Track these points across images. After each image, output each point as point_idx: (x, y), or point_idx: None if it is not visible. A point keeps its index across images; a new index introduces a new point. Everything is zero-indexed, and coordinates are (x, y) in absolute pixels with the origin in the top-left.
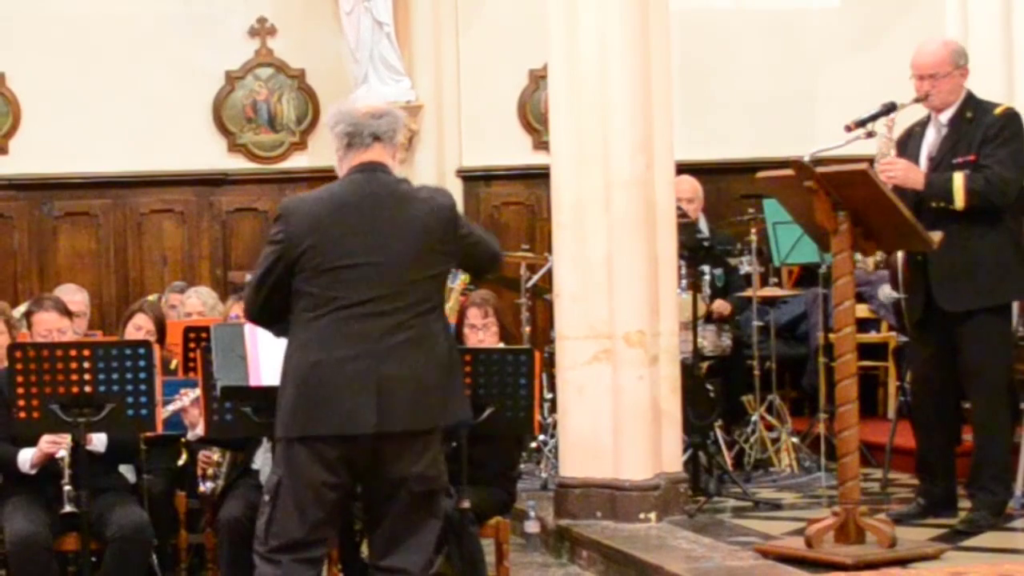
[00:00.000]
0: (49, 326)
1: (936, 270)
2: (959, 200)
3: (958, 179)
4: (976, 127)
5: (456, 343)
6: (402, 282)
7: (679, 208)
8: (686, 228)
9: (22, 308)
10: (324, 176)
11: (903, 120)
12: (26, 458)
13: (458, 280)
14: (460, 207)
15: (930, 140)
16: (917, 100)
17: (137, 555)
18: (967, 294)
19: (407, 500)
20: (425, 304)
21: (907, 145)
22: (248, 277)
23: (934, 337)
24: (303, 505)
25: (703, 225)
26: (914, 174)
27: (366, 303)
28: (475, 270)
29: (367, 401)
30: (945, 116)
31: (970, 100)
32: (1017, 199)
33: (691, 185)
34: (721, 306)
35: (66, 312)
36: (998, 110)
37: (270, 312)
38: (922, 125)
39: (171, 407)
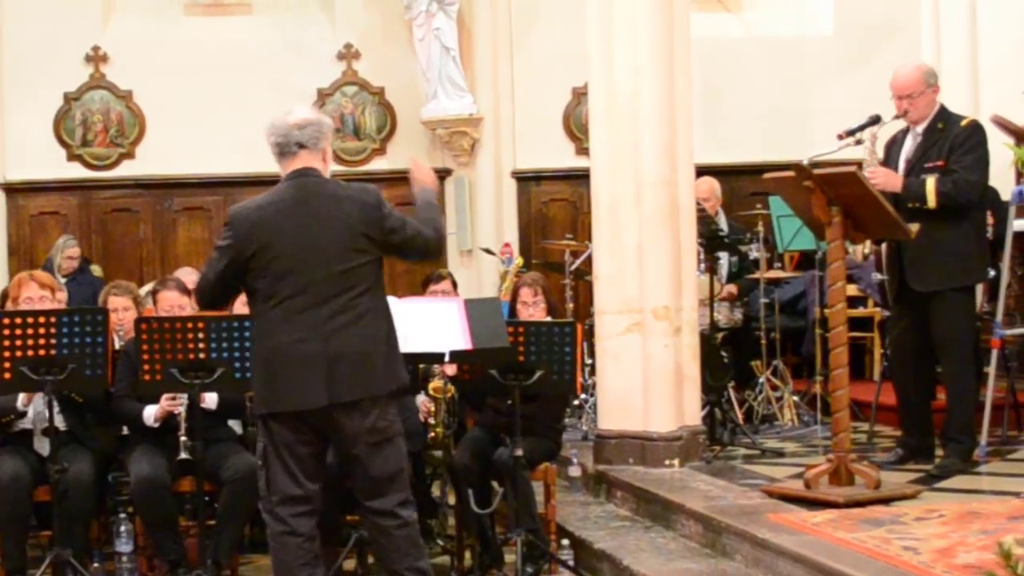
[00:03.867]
0: (170, 303)
1: (909, 256)
2: (931, 201)
3: (930, 183)
4: (946, 136)
5: (392, 318)
6: (335, 271)
7: (699, 205)
8: (703, 221)
9: (148, 288)
10: (400, 177)
11: (888, 129)
12: (150, 413)
13: (512, 264)
14: (513, 203)
15: (908, 147)
16: (897, 117)
17: (250, 494)
18: (935, 277)
19: (367, 450)
20: (360, 287)
21: (891, 150)
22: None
23: (909, 312)
24: (287, 465)
25: (722, 220)
26: (893, 180)
27: (306, 293)
28: (415, 259)
29: (317, 379)
30: (920, 127)
31: (942, 113)
32: (980, 198)
33: (710, 186)
34: (729, 289)
35: (185, 291)
36: (964, 122)
37: (220, 303)
38: (903, 133)
39: None
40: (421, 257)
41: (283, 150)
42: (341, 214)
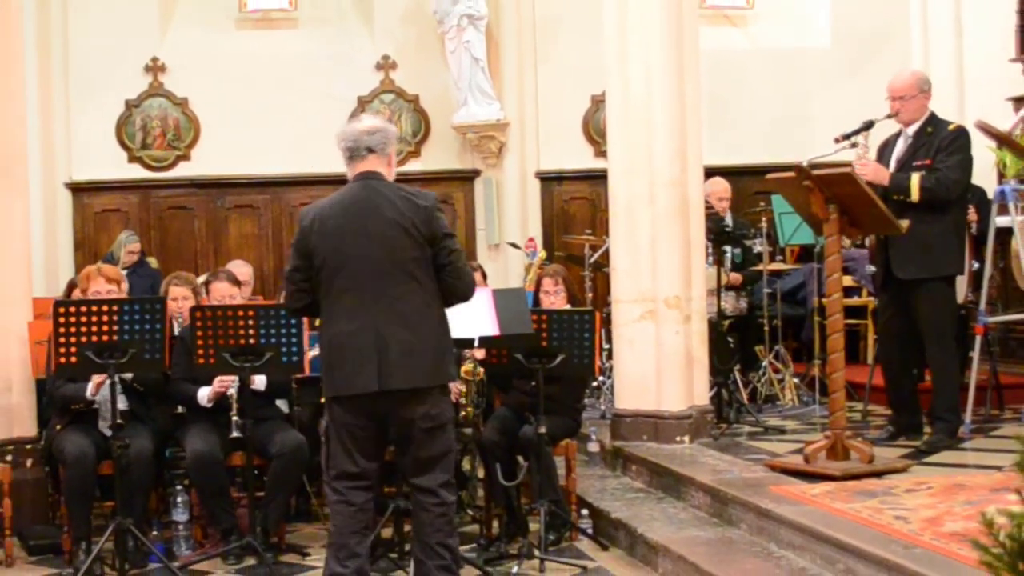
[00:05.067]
0: (223, 293)
1: (893, 248)
2: (914, 194)
3: (915, 178)
4: (933, 138)
5: (447, 318)
6: (391, 268)
7: (708, 204)
8: (711, 217)
9: (201, 279)
10: (434, 177)
11: (882, 133)
12: (203, 394)
13: (536, 257)
14: (537, 202)
15: (899, 148)
16: (889, 116)
17: (295, 468)
18: (917, 267)
19: (419, 435)
20: (414, 284)
21: (883, 151)
22: None
23: (896, 300)
24: (344, 444)
25: (729, 219)
26: (881, 173)
27: (364, 287)
28: (449, 280)
29: (371, 367)
30: (911, 129)
31: (932, 118)
32: (960, 196)
33: (725, 186)
34: (733, 277)
35: (236, 282)
36: (951, 126)
37: (300, 304)
38: (896, 136)
39: (314, 353)
40: (455, 275)
41: (352, 154)
42: (399, 215)
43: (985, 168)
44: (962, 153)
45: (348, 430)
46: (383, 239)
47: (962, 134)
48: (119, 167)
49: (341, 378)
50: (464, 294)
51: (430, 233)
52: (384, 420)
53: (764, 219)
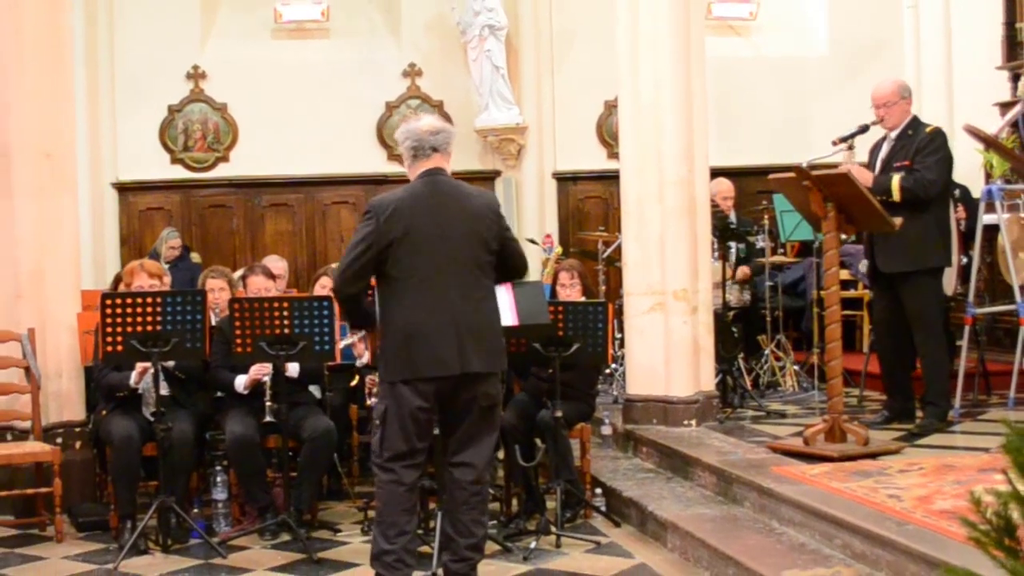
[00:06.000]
0: (259, 286)
1: (878, 245)
2: (895, 194)
3: (895, 179)
4: (913, 140)
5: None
6: (464, 258)
7: (713, 202)
8: (717, 215)
9: (239, 273)
10: (457, 178)
11: (873, 137)
12: (241, 381)
13: (553, 252)
14: (554, 200)
15: (884, 150)
16: (874, 123)
17: (326, 451)
18: (900, 261)
19: (477, 413)
20: (481, 274)
21: (872, 154)
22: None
23: (886, 292)
24: (405, 426)
25: (733, 216)
26: (864, 175)
27: (438, 276)
28: (510, 266)
29: (451, 350)
30: (895, 133)
31: (913, 121)
32: (940, 193)
33: (730, 185)
34: (743, 272)
35: (271, 276)
36: (929, 129)
37: (355, 289)
38: (882, 140)
39: (344, 343)
40: (518, 267)
41: (417, 153)
42: (470, 209)
43: (973, 169)
44: (939, 153)
45: (411, 412)
46: (461, 234)
47: (938, 135)
48: (162, 168)
49: (422, 361)
50: (523, 274)
51: (499, 231)
52: (447, 401)
53: (766, 216)
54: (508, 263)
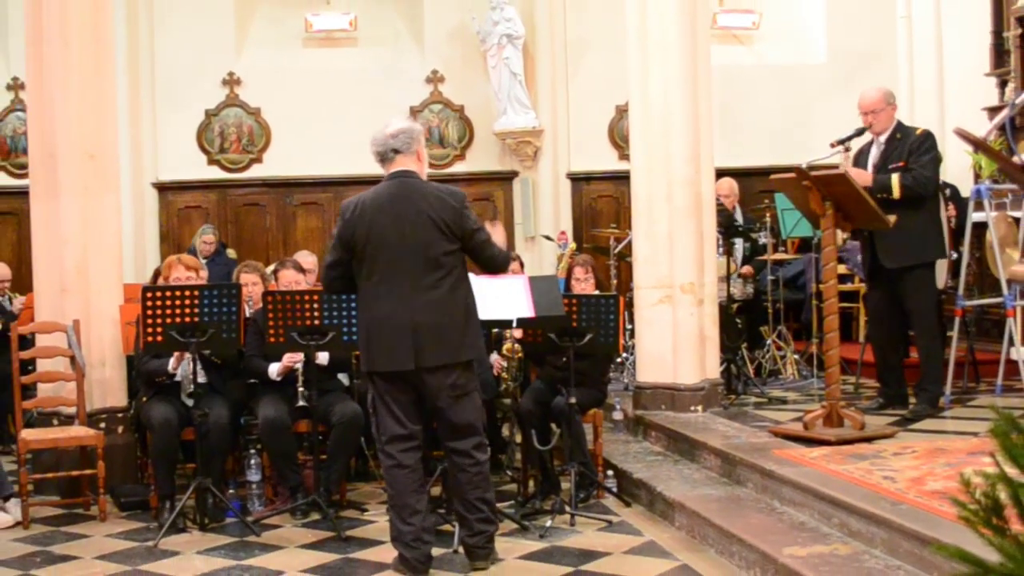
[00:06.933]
0: (289, 279)
1: (880, 242)
2: (896, 192)
3: (895, 178)
4: (903, 143)
5: (474, 299)
6: (422, 256)
7: (719, 201)
8: (722, 213)
9: (271, 268)
10: (477, 178)
11: (856, 142)
12: (273, 369)
13: (567, 248)
14: (568, 199)
15: (873, 154)
16: (864, 129)
17: (354, 434)
18: (903, 256)
19: (449, 402)
20: (443, 271)
21: (859, 158)
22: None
23: (882, 285)
24: (391, 410)
25: (738, 213)
26: (864, 176)
27: (397, 273)
28: (484, 264)
29: (405, 346)
30: (883, 137)
31: (899, 126)
32: (935, 191)
33: (731, 185)
34: (747, 270)
35: (302, 270)
36: (918, 131)
37: (339, 284)
38: (869, 145)
39: None
40: (488, 263)
41: (383, 157)
42: (430, 209)
43: (963, 169)
44: (931, 153)
45: (391, 396)
46: (417, 233)
47: (928, 136)
48: (200, 169)
49: (379, 356)
50: (499, 272)
51: (461, 230)
52: (419, 391)
53: (768, 214)
54: (477, 257)
